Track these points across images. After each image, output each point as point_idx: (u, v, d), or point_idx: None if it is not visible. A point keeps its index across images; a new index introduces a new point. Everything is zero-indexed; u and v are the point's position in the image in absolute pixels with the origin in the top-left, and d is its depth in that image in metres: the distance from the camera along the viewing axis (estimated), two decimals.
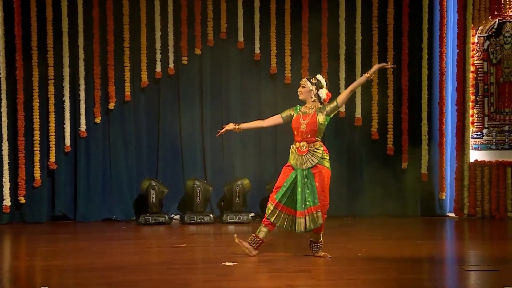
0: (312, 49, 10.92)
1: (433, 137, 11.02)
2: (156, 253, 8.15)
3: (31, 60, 10.50)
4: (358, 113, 10.91)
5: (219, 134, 7.74)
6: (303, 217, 7.23)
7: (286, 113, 7.48)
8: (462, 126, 10.88)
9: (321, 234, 7.39)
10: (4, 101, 10.45)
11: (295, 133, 7.37)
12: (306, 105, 7.43)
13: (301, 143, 7.30)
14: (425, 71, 10.97)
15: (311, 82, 7.39)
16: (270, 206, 7.37)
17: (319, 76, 7.45)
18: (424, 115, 10.98)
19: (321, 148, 7.31)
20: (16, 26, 10.43)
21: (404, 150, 10.96)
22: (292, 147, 7.41)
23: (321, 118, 7.30)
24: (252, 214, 10.70)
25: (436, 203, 11.06)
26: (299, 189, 7.26)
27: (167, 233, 9.66)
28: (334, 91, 10.85)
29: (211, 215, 10.42)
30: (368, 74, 7.38)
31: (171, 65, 10.80)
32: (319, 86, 7.38)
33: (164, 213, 10.50)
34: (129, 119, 10.89)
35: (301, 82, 7.49)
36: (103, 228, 10.13)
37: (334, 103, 7.35)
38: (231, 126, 7.62)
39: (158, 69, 10.77)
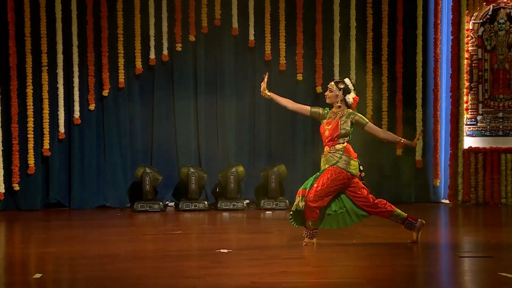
0: (306, 36, 10.89)
1: (428, 123, 11.03)
2: (150, 240, 8.16)
3: (24, 46, 10.46)
4: None
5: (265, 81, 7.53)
6: (297, 195, 7.25)
7: (316, 109, 7.37)
8: (456, 113, 10.89)
9: (309, 223, 7.31)
10: None
11: (322, 138, 7.35)
12: (332, 109, 7.34)
13: (325, 148, 7.30)
14: (419, 58, 10.97)
15: (338, 87, 7.26)
16: None
17: (347, 80, 7.33)
18: (419, 101, 10.99)
19: (341, 151, 7.21)
20: (9, 13, 10.39)
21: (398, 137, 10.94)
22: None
23: (345, 124, 7.19)
24: (247, 201, 10.71)
25: (430, 190, 11.09)
26: (312, 177, 7.30)
27: (161, 220, 9.66)
28: (329, 77, 10.89)
29: (206, 202, 10.43)
30: (402, 140, 7.41)
31: (165, 52, 10.77)
32: (346, 91, 7.24)
33: (159, 200, 10.50)
34: (123, 106, 10.87)
35: (329, 86, 7.36)
36: (97, 215, 10.14)
37: (364, 122, 7.21)
38: (265, 88, 7.47)
39: (152, 56, 10.74)
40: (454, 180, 10.91)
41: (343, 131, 7.20)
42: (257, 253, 7.05)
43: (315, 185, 7.20)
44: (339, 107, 7.28)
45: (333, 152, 7.25)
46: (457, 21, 10.86)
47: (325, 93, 7.38)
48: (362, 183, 7.41)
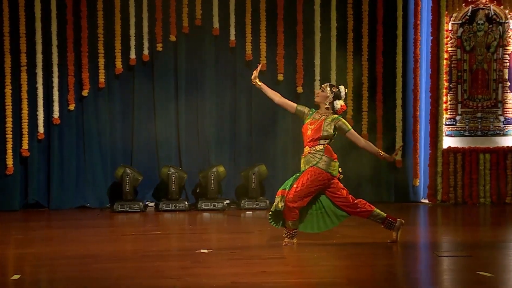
0: (287, 36, 10.91)
1: (407, 124, 11.08)
2: (130, 240, 8.13)
3: (3, 46, 10.40)
4: None
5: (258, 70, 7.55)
6: (277, 196, 7.29)
7: (301, 108, 7.44)
8: (435, 113, 10.95)
9: (289, 223, 7.32)
10: None
11: (304, 137, 7.41)
12: (318, 110, 7.40)
13: (306, 148, 7.35)
14: (399, 58, 11.01)
15: (331, 90, 7.34)
16: None
17: (341, 87, 7.41)
18: (399, 102, 11.04)
19: (322, 152, 7.25)
20: None
21: (378, 137, 11.00)
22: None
23: (328, 127, 7.25)
24: (227, 201, 10.71)
25: (410, 190, 11.14)
26: (292, 178, 7.35)
27: (141, 221, 9.64)
28: (309, 78, 10.92)
29: (186, 203, 10.41)
30: (381, 153, 7.45)
31: (145, 52, 10.74)
32: (337, 96, 7.32)
33: (139, 200, 10.47)
34: (103, 106, 10.84)
35: (322, 86, 7.46)
36: (77, 216, 10.09)
37: (346, 128, 7.27)
38: (256, 76, 7.52)
39: (133, 56, 10.71)
40: (433, 180, 10.97)
41: (325, 133, 7.25)
42: (238, 253, 7.05)
43: (294, 185, 7.23)
44: (326, 109, 7.33)
45: (314, 153, 7.28)
46: (436, 22, 10.92)
47: (316, 91, 7.50)
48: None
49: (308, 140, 7.32)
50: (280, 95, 7.56)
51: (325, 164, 7.25)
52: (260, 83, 7.52)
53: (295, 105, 7.48)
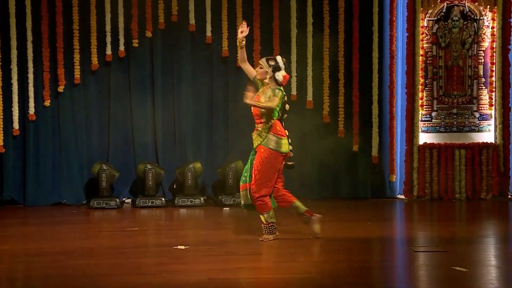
0: (263, 32, 10.91)
1: (384, 120, 11.13)
2: (107, 237, 8.11)
3: None
4: (309, 96, 10.95)
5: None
6: (240, 191, 7.36)
7: (255, 80, 7.44)
8: (411, 109, 11.00)
9: (264, 217, 7.36)
10: None
11: None
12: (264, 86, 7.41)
13: (256, 125, 7.40)
14: (375, 54, 11.05)
15: (268, 64, 7.36)
16: None
17: (278, 58, 7.42)
18: (375, 98, 11.08)
19: (266, 131, 7.29)
20: None
21: (355, 133, 11.04)
22: None
23: (262, 100, 7.28)
24: (204, 198, 10.68)
25: (386, 185, 11.19)
26: (247, 166, 7.39)
27: (118, 217, 9.61)
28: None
29: (163, 199, 10.39)
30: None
31: (121, 47, 10.69)
32: (276, 68, 7.32)
33: (115, 197, 10.43)
34: (79, 102, 10.78)
35: (259, 62, 7.48)
36: (53, 213, 10.03)
37: (270, 103, 7.24)
38: (243, 37, 7.50)
39: (109, 51, 10.65)
40: (410, 175, 11.03)
41: (261, 110, 7.27)
42: (215, 249, 7.06)
43: (253, 175, 7.24)
44: (268, 84, 7.36)
45: (260, 131, 7.35)
46: (412, 18, 10.96)
47: (255, 69, 7.48)
48: (289, 164, 7.50)
49: (254, 117, 7.41)
50: (248, 63, 7.60)
51: (274, 143, 7.27)
52: (243, 44, 7.50)
53: (254, 74, 7.47)
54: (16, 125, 10.50)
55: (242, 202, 7.41)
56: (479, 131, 11.02)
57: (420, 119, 11.00)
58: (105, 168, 10.23)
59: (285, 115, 7.47)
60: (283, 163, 7.41)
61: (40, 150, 10.65)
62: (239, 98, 10.85)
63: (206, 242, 7.43)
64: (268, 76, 7.35)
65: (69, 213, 9.97)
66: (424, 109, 11.03)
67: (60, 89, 10.59)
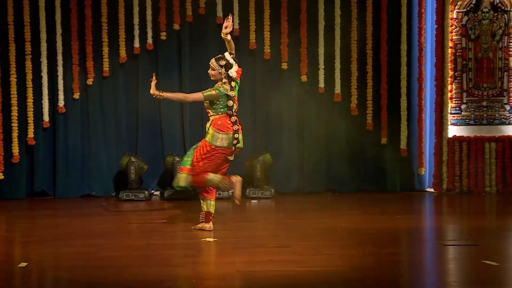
0: (291, 25, 10.88)
1: (412, 112, 11.06)
2: (136, 229, 8.15)
3: (7, 35, 10.38)
4: (337, 89, 10.91)
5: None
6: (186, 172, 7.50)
7: (208, 92, 7.44)
8: (440, 102, 10.92)
9: (205, 206, 7.63)
10: None
11: None
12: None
13: None
14: (404, 46, 10.97)
15: (219, 64, 7.48)
16: None
17: (227, 55, 7.50)
18: (403, 90, 11.01)
19: (210, 124, 7.48)
20: None
21: (383, 126, 10.99)
22: None
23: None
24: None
25: (415, 178, 11.12)
26: (192, 149, 7.58)
27: (147, 209, 9.65)
28: (314, 66, 10.90)
29: (192, 191, 10.40)
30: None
31: (149, 40, 10.72)
32: (227, 66, 7.46)
33: (144, 189, 10.48)
34: (107, 94, 10.83)
35: (210, 64, 7.56)
36: (82, 204, 10.11)
37: (180, 95, 7.86)
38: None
39: (137, 44, 10.69)
40: (439, 168, 10.95)
41: (205, 104, 7.48)
42: (243, 241, 7.07)
43: (193, 163, 7.45)
44: (224, 83, 7.46)
45: (208, 123, 7.52)
46: (441, 10, 10.87)
47: (208, 71, 7.58)
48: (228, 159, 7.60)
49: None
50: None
51: (211, 137, 7.42)
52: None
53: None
54: (46, 118, 10.58)
55: (173, 183, 7.64)
56: (509, 123, 10.92)
57: (449, 111, 10.92)
58: (133, 160, 10.28)
59: (232, 111, 7.49)
60: (225, 157, 7.53)
61: (69, 142, 10.73)
62: (266, 90, 10.92)
63: (234, 235, 7.45)
64: (223, 76, 7.46)
65: (98, 205, 10.04)
66: (454, 102, 10.94)
67: (89, 81, 10.65)
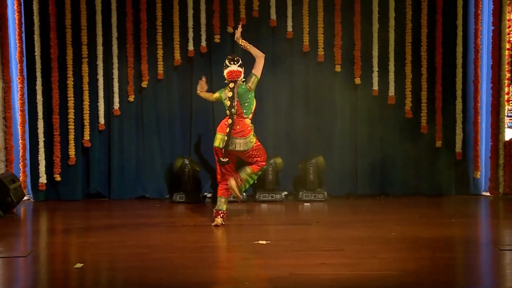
0: (344, 27, 10.83)
1: (468, 115, 10.90)
2: (189, 231, 8.20)
3: (65, 38, 10.57)
4: (391, 92, 10.83)
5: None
6: None
7: (217, 94, 8.59)
8: (497, 104, 10.75)
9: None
10: (39, 79, 10.55)
11: None
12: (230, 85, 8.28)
13: None
14: (459, 48, 10.83)
15: (241, 66, 8.35)
16: None
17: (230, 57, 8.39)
18: (459, 93, 10.86)
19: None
20: (50, 5, 10.50)
21: (438, 129, 10.86)
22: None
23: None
24: (285, 193, 10.70)
25: (470, 182, 10.96)
26: None
27: (200, 211, 9.71)
28: (368, 69, 10.83)
29: (244, 194, 10.43)
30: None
31: (203, 43, 10.79)
32: (224, 68, 8.34)
33: (198, 191, 10.54)
34: (162, 97, 10.93)
35: (234, 65, 8.29)
36: (136, 206, 10.22)
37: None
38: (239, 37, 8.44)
39: (191, 47, 10.77)
40: (495, 172, 10.78)
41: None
42: (296, 244, 7.07)
43: None
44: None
45: None
46: (498, 11, 10.70)
47: (229, 71, 8.25)
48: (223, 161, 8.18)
49: None
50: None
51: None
52: (243, 43, 8.41)
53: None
54: (101, 120, 10.73)
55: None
56: None
57: (506, 114, 10.74)
58: (187, 162, 10.35)
59: (230, 112, 8.23)
60: (218, 158, 8.24)
61: (124, 144, 10.85)
62: (320, 93, 10.89)
63: (287, 238, 7.44)
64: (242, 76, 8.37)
65: (152, 206, 10.14)
66: (510, 104, 10.75)
67: (144, 84, 10.77)
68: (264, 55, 8.39)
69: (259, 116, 10.93)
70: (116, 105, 10.73)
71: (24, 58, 10.56)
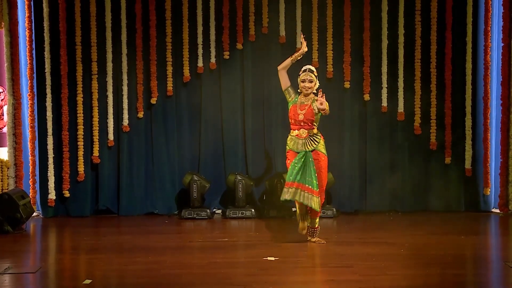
0: (354, 44, 10.85)
1: (477, 132, 10.88)
2: (197, 247, 8.20)
3: (75, 55, 10.62)
4: (400, 108, 10.82)
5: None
6: (318, 196, 7.83)
7: (291, 90, 8.30)
8: (506, 121, 10.72)
9: (317, 220, 8.06)
10: (49, 96, 10.60)
11: (292, 121, 8.14)
12: (302, 95, 8.14)
13: (300, 131, 8.02)
14: (469, 65, 10.82)
15: (316, 76, 8.24)
16: (283, 190, 7.97)
17: (312, 67, 8.34)
18: (468, 109, 10.85)
19: (319, 135, 8.04)
20: (60, 22, 10.56)
21: (447, 145, 10.84)
22: (290, 134, 8.16)
23: (316, 110, 7.97)
24: (294, 209, 10.64)
25: (480, 199, 10.92)
26: (312, 169, 7.86)
27: (209, 228, 9.70)
28: (377, 86, 10.84)
29: (253, 210, 10.43)
30: (293, 57, 8.37)
31: (212, 60, 10.83)
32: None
33: (206, 207, 10.54)
34: (171, 114, 10.95)
35: (310, 77, 8.19)
36: (145, 222, 10.22)
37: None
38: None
39: (200, 64, 10.80)
40: (505, 189, 10.74)
41: (317, 117, 8.02)
42: (304, 261, 7.05)
43: (320, 183, 7.86)
44: (313, 93, 8.17)
45: (312, 136, 7.98)
46: (507, 28, 10.69)
47: (307, 85, 8.15)
48: None
49: (302, 124, 8.01)
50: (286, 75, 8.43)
51: (323, 146, 8.00)
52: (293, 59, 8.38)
53: (289, 84, 8.31)
54: (111, 136, 10.76)
55: (295, 198, 7.86)
56: None
57: None
58: (196, 179, 10.36)
59: None
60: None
61: (133, 160, 10.87)
62: (329, 109, 10.89)
63: (295, 254, 7.43)
64: (315, 88, 8.18)
65: (161, 223, 10.14)
66: None
67: (153, 100, 10.80)
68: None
69: (269, 132, 10.94)
70: (126, 121, 10.76)
71: (35, 75, 10.61)
